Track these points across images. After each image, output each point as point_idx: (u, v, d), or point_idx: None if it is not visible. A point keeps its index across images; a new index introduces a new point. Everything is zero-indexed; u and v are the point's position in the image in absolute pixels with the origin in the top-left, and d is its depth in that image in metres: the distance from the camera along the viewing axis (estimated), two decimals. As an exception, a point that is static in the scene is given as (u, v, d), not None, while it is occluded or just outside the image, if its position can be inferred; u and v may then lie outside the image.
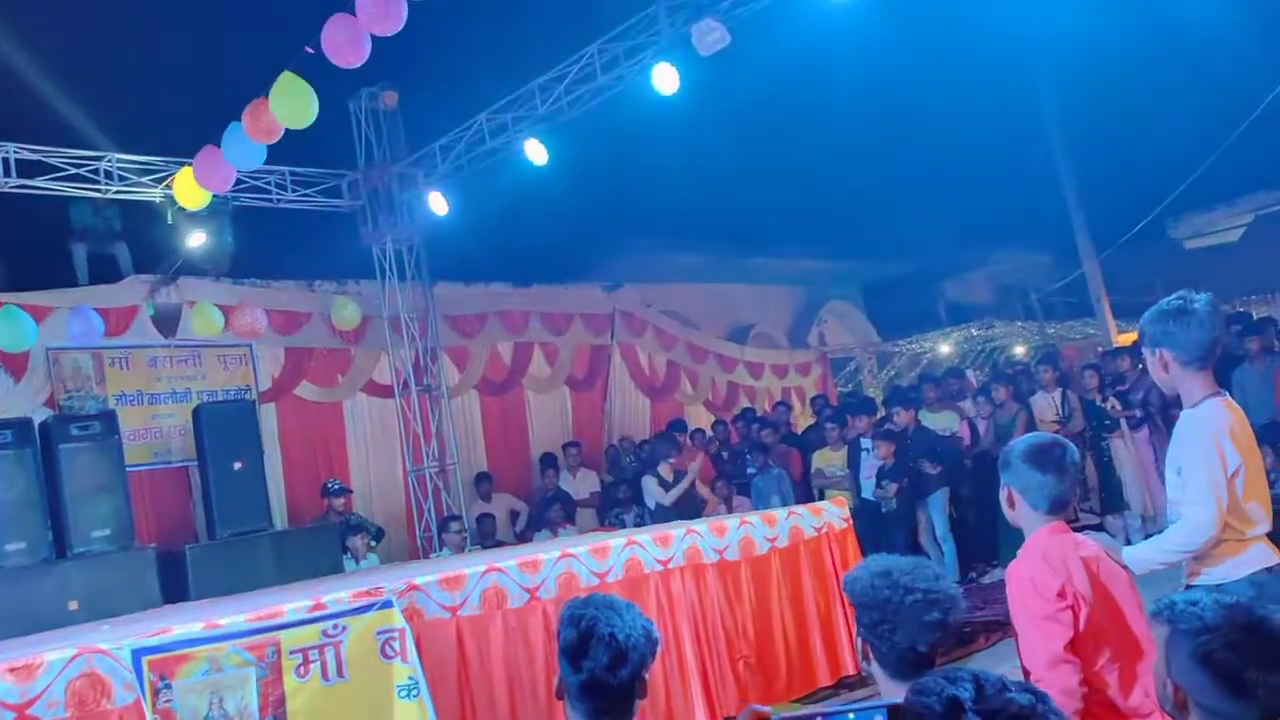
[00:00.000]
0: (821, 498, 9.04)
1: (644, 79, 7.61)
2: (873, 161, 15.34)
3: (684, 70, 7.38)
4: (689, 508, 8.76)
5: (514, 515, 10.61)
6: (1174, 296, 3.18)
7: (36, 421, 7.67)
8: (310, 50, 6.06)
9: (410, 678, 4.20)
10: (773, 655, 5.56)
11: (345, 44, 5.88)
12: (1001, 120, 14.56)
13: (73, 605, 6.93)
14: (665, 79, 7.42)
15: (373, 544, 8.86)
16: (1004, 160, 15.18)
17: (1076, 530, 2.91)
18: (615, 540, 5.35)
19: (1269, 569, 3.04)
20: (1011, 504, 2.87)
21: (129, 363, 8.96)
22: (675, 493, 8.85)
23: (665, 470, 8.91)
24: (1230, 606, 1.78)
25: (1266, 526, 3.09)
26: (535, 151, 8.54)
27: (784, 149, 15.18)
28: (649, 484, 9.10)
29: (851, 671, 5.79)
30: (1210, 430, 3.06)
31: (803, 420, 13.24)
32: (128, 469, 7.89)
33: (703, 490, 9.13)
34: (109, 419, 7.83)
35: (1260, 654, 1.72)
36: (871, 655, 2.34)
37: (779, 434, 10.73)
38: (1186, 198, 12.42)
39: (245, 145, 6.77)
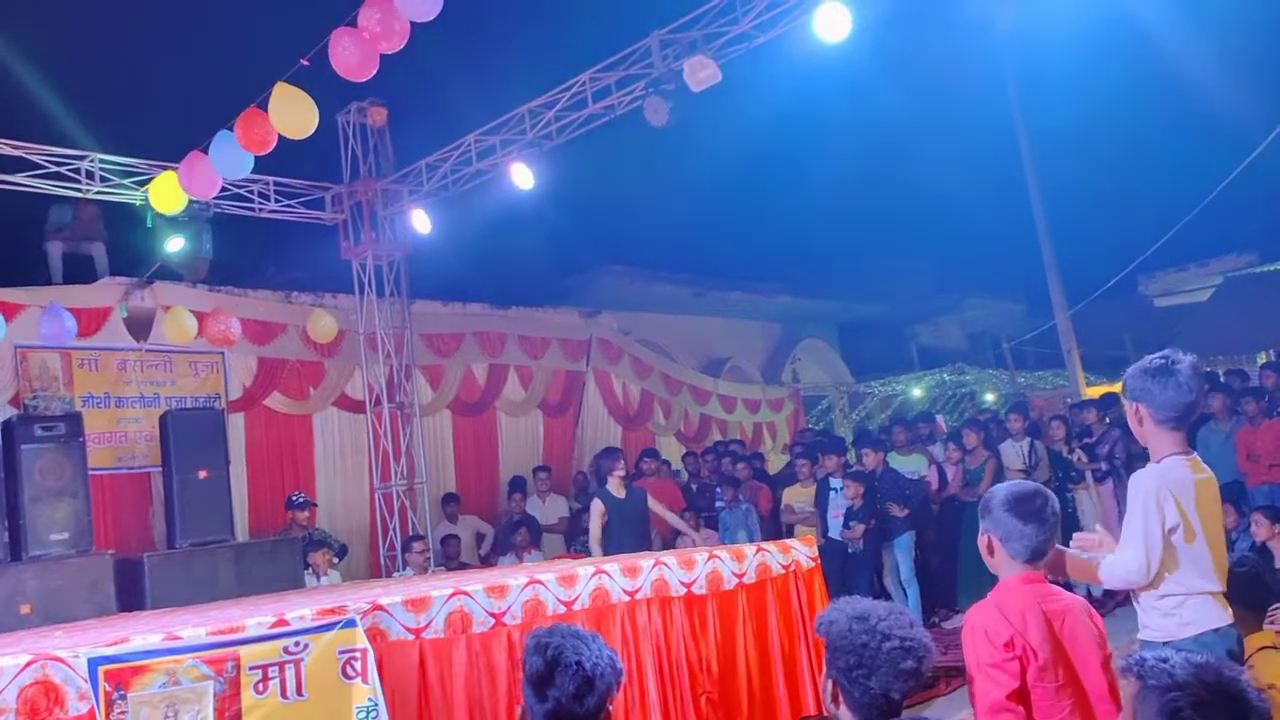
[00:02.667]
0: (790, 534, 9.04)
1: (634, 110, 7.67)
2: (854, 203, 15.57)
3: (674, 104, 7.44)
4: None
5: (480, 537, 10.54)
6: (1159, 355, 3.25)
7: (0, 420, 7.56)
8: (307, 62, 6.07)
9: (370, 699, 4.14)
10: (735, 691, 5.54)
11: (355, 59, 5.88)
12: (981, 170, 14.83)
13: (25, 609, 6.79)
14: (655, 112, 7.47)
15: (335, 560, 8.76)
16: (982, 209, 15.46)
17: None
18: (583, 569, 5.32)
19: (1215, 630, 3.09)
20: (991, 551, 2.90)
21: (98, 364, 8.84)
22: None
23: (614, 484, 7.55)
24: (1200, 665, 1.80)
25: (1216, 586, 3.14)
26: (521, 175, 8.57)
27: (767, 187, 15.37)
28: (595, 508, 7.59)
29: (813, 711, 5.77)
30: (1153, 486, 3.15)
31: (773, 458, 13.28)
32: (90, 472, 7.76)
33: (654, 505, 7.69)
34: (74, 420, 7.70)
35: (1226, 714, 1.75)
36: (841, 699, 2.35)
37: (752, 468, 10.74)
38: (1159, 256, 12.64)
39: (234, 153, 6.74)
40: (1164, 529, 3.10)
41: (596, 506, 7.55)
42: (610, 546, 7.49)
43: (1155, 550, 3.09)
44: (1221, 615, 3.13)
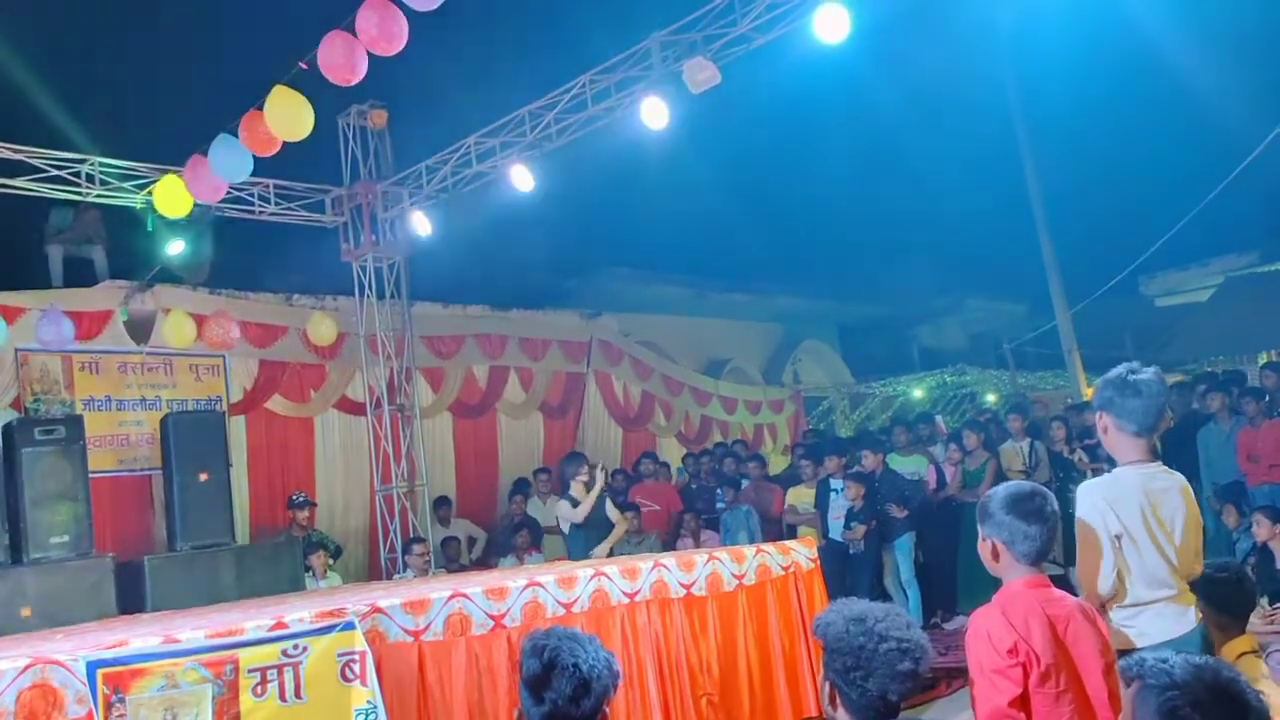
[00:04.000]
0: (793, 534, 9.04)
1: (633, 111, 7.67)
2: (854, 204, 15.56)
3: (674, 106, 7.45)
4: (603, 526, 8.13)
5: (471, 541, 10.51)
6: (1122, 365, 3.33)
7: (0, 423, 7.56)
8: (304, 65, 6.07)
9: (369, 702, 4.15)
10: (736, 693, 5.54)
11: (342, 62, 5.88)
12: (982, 170, 14.82)
13: (25, 612, 6.79)
14: (655, 113, 7.47)
15: (331, 561, 8.77)
16: (982, 209, 15.45)
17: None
18: (582, 571, 5.33)
19: (1168, 641, 3.06)
20: (995, 556, 2.88)
21: (99, 368, 8.85)
22: (585, 507, 8.03)
23: (577, 489, 8.07)
24: (1199, 666, 1.81)
25: (1165, 593, 3.13)
26: (521, 177, 8.57)
27: (768, 188, 15.37)
28: (562, 508, 8.24)
29: (815, 713, 5.77)
30: (1088, 498, 3.22)
31: (774, 459, 13.28)
32: (91, 475, 7.77)
33: (612, 513, 8.19)
34: (75, 423, 7.72)
35: (1224, 714, 1.75)
36: (839, 701, 2.34)
37: (764, 467, 10.75)
38: (1160, 256, 12.63)
39: (233, 155, 6.75)
40: (1109, 536, 3.13)
41: (563, 508, 8.06)
42: (574, 553, 7.73)
43: (1109, 559, 3.13)
44: (1178, 625, 3.12)
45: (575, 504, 7.94)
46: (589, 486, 8.04)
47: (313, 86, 6.51)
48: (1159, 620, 3.11)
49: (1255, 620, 4.08)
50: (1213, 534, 7.37)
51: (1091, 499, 3.22)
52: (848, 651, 2.31)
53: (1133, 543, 3.13)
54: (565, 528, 8.21)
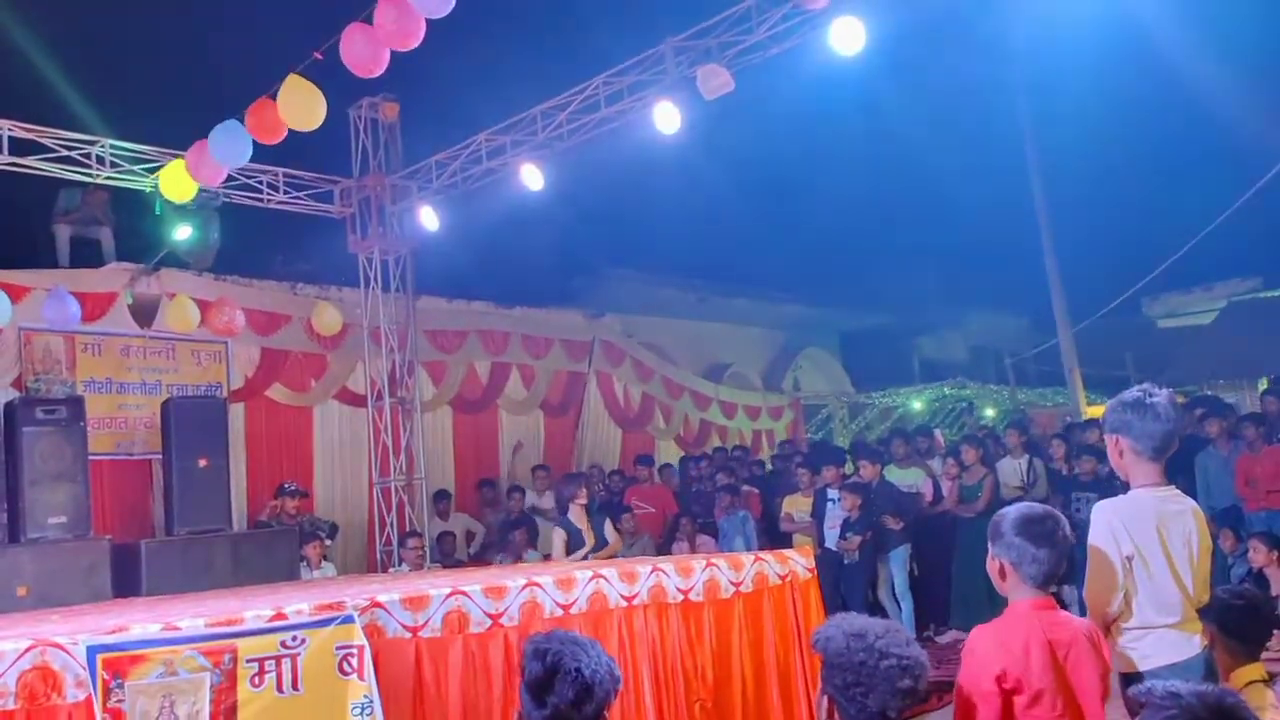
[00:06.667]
0: (789, 542, 9.05)
1: (646, 115, 7.68)
2: (861, 213, 15.60)
3: (686, 111, 7.46)
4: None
5: (470, 536, 10.52)
6: (1136, 388, 3.32)
7: (1, 402, 7.56)
8: (319, 56, 6.08)
9: (365, 696, 4.15)
10: (730, 700, 5.54)
11: (364, 55, 5.89)
12: (989, 184, 14.85)
13: (21, 591, 6.80)
14: (667, 118, 7.49)
15: (328, 543, 8.77)
16: (988, 223, 15.47)
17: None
18: (580, 573, 5.33)
19: (1171, 665, 3.06)
20: (1003, 576, 2.88)
21: (101, 349, 8.85)
22: (578, 555, 7.27)
23: (576, 513, 7.35)
24: (1202, 689, 1.85)
25: (1173, 619, 3.14)
26: (530, 176, 8.58)
27: (775, 195, 15.40)
28: (556, 539, 7.43)
29: (806, 723, 5.78)
30: (1104, 517, 3.20)
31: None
32: (90, 457, 7.77)
33: (610, 534, 7.53)
34: (76, 405, 7.71)
35: None
36: (837, 716, 2.35)
37: (750, 467, 10.74)
38: (1164, 277, 12.65)
39: (233, 141, 6.75)
40: (1121, 557, 3.13)
41: (559, 535, 7.39)
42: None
43: (1115, 579, 3.13)
44: (1182, 649, 3.12)
45: (569, 532, 7.32)
46: (588, 510, 7.70)
47: (326, 77, 6.52)
48: (1161, 644, 3.11)
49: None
50: (1208, 559, 7.38)
51: (1105, 519, 3.21)
52: (848, 667, 2.32)
53: (1144, 564, 3.12)
54: (556, 552, 7.79)
